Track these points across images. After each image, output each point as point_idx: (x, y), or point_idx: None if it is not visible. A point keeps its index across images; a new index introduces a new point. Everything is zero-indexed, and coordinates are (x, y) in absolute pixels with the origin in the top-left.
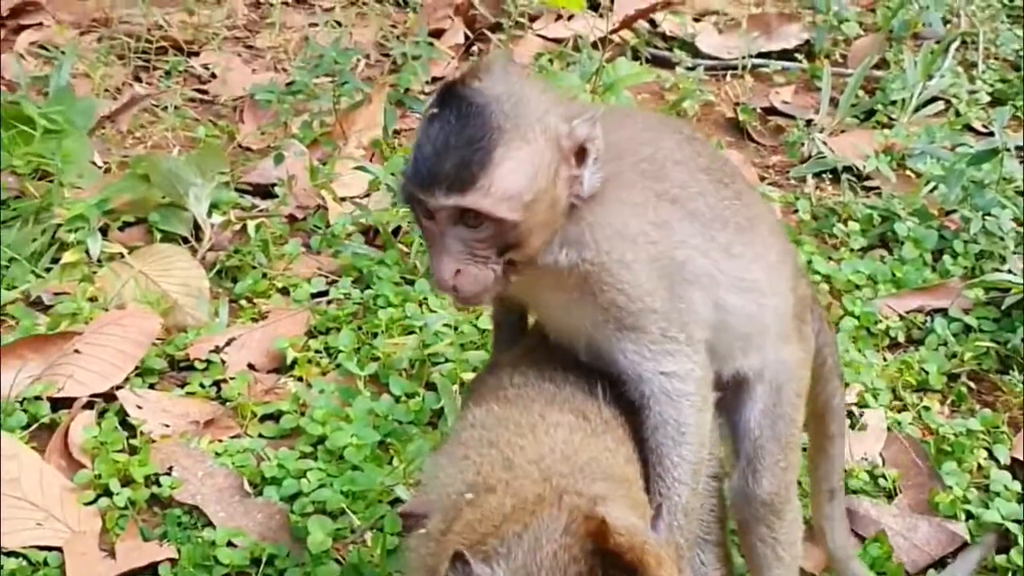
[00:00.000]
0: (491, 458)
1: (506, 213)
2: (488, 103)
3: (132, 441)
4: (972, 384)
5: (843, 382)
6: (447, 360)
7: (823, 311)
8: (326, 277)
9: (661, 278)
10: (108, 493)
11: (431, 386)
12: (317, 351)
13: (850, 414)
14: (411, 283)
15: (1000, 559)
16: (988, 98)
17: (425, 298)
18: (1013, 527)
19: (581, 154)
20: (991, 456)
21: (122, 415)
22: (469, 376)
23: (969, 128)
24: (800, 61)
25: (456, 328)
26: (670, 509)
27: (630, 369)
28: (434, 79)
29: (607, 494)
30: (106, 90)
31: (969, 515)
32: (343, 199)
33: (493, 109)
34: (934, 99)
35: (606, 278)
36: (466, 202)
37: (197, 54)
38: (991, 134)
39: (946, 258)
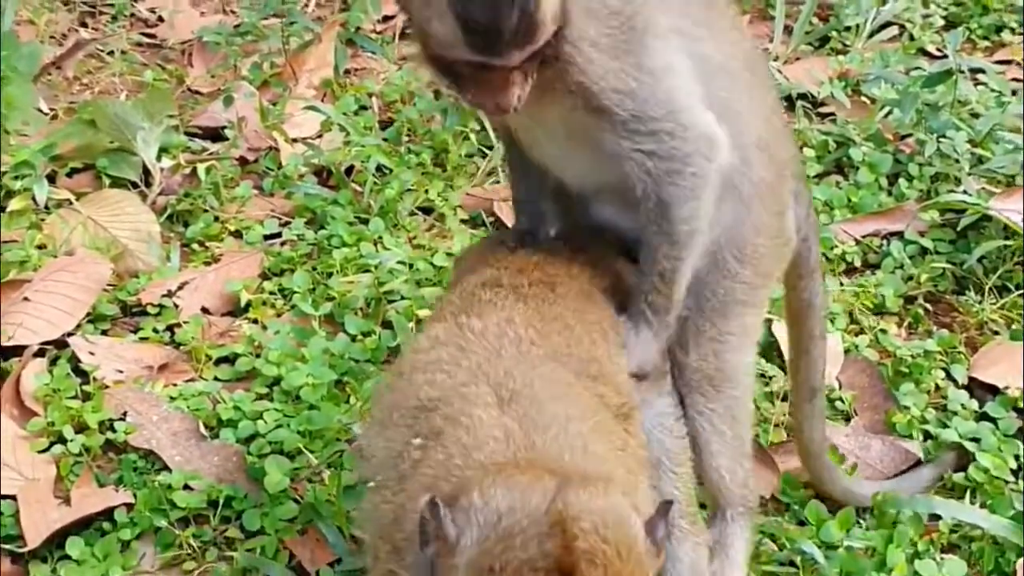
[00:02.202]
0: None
1: (553, 28)
2: None
3: (85, 388)
4: (929, 306)
5: (824, 279)
6: (403, 298)
7: (810, 197)
8: (279, 219)
9: (626, 53)
10: (62, 440)
11: (387, 324)
12: (271, 293)
13: None
14: (365, 222)
15: (958, 477)
16: (942, 22)
17: (379, 237)
18: (971, 445)
19: None
20: (948, 376)
21: (74, 362)
22: (425, 313)
23: (923, 52)
24: None
25: (411, 266)
26: (648, 306)
27: (615, 153)
28: (385, 17)
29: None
30: (51, 36)
31: (927, 435)
32: (295, 140)
33: None
34: (888, 24)
35: (577, 58)
36: (535, 46)
37: None
38: (945, 57)
39: (901, 182)
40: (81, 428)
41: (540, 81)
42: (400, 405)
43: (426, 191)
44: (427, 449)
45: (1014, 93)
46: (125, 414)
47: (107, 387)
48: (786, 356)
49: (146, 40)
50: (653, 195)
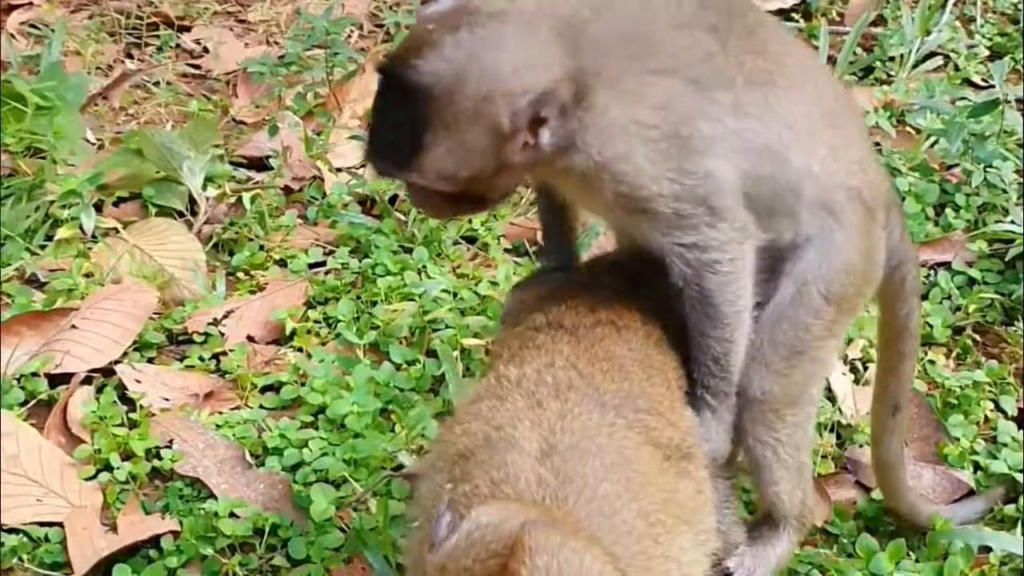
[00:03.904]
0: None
1: (445, 187)
2: (420, 85)
3: (131, 415)
4: (977, 336)
5: (920, 302)
6: (447, 326)
7: (904, 219)
8: (323, 247)
9: (666, 160)
10: (108, 468)
11: (431, 353)
12: (316, 321)
13: (854, 369)
14: (409, 251)
15: (1009, 509)
16: (987, 52)
17: (424, 265)
18: (1021, 477)
19: (538, 122)
20: (997, 408)
21: (121, 390)
22: (469, 342)
23: (968, 82)
24: (797, 21)
25: (455, 294)
26: (707, 392)
27: (654, 246)
28: None
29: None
30: (97, 67)
31: (977, 466)
32: (339, 169)
33: (426, 91)
34: (932, 54)
35: (604, 176)
36: (405, 179)
37: (189, 29)
38: (991, 87)
39: (948, 212)
40: (127, 456)
41: (579, 187)
42: (442, 454)
43: (469, 220)
44: (456, 489)
45: None
46: (171, 442)
47: (153, 415)
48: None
49: (191, 71)
50: (695, 285)
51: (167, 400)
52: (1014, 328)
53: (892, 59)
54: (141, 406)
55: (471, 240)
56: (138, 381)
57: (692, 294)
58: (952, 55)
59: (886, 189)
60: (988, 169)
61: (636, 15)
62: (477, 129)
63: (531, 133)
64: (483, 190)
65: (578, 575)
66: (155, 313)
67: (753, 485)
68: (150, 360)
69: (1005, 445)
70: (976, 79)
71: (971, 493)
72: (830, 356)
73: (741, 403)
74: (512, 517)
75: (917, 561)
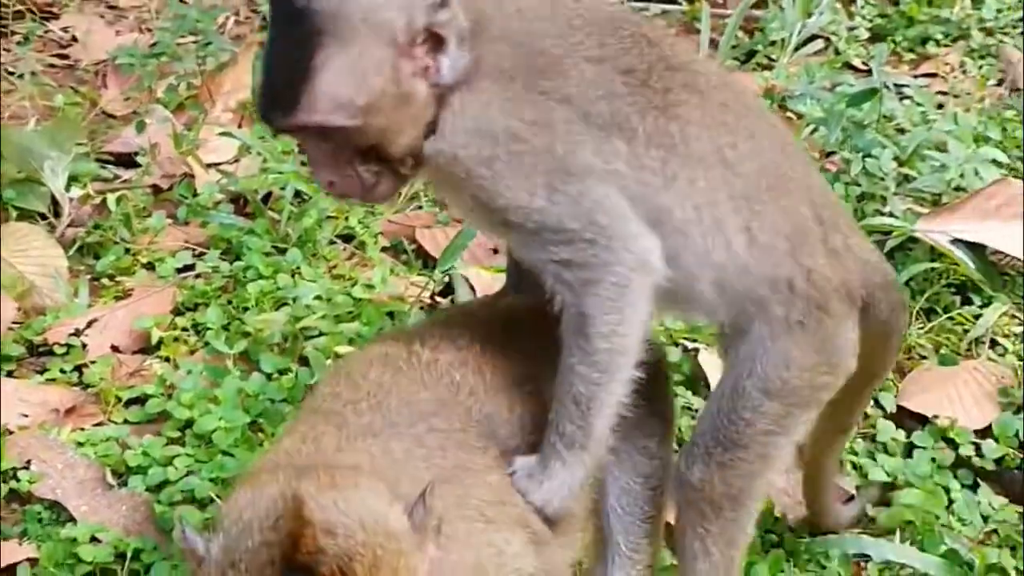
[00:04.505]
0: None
1: (343, 120)
2: (308, 7)
3: None
4: None
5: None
6: (321, 333)
7: (901, 298)
8: (193, 250)
9: (530, 175)
10: None
11: (304, 361)
12: (184, 329)
13: None
14: (283, 252)
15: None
16: (867, 34)
17: (297, 267)
18: (900, 479)
19: (436, 41)
20: (877, 404)
21: None
22: (343, 349)
23: (849, 66)
24: (679, 3)
25: (329, 300)
26: (559, 437)
27: (527, 261)
28: None
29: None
30: None
31: (854, 466)
32: (210, 166)
33: (313, 14)
34: (814, 37)
35: (460, 173)
36: (297, 121)
37: (56, 16)
38: (870, 72)
39: None
40: None
41: (448, 185)
42: None
43: (346, 218)
44: None
45: (939, 107)
46: (29, 462)
47: (11, 432)
48: None
49: (59, 62)
50: (572, 307)
51: (26, 416)
52: None
53: (774, 43)
54: None
55: (348, 239)
56: None
57: (568, 319)
58: (833, 38)
59: (859, 275)
60: (867, 158)
61: (551, 32)
62: (370, 38)
63: (431, 54)
64: (385, 137)
65: (357, 498)
66: (14, 323)
67: (678, 569)
68: (9, 373)
69: (884, 445)
70: (857, 62)
71: (851, 499)
72: (780, 453)
73: (678, 483)
74: (265, 487)
75: (796, 568)
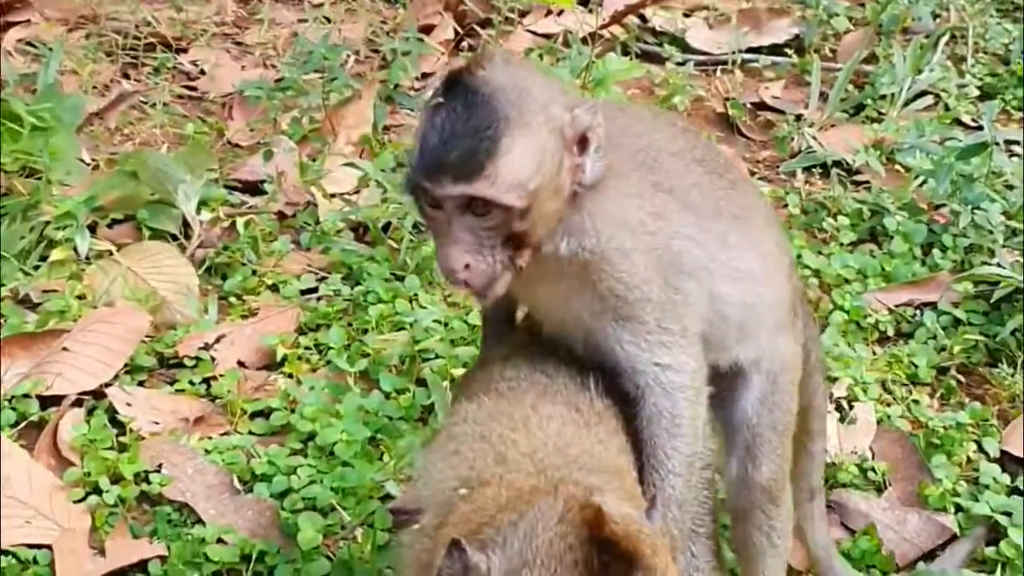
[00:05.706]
0: (484, 452)
1: (513, 200)
2: (493, 92)
3: (121, 439)
4: (961, 377)
5: (825, 379)
6: (437, 356)
7: (808, 306)
8: (316, 274)
9: (658, 268)
10: (97, 491)
11: (421, 382)
12: (307, 348)
13: (840, 407)
14: (401, 279)
15: (989, 551)
16: (977, 92)
17: (415, 294)
18: (1002, 519)
19: (583, 143)
20: (980, 449)
21: (111, 413)
22: (459, 372)
23: (958, 122)
24: (790, 56)
25: (446, 324)
26: (664, 500)
27: (625, 360)
28: (424, 75)
29: (601, 485)
30: (94, 87)
31: (959, 508)
32: (333, 195)
33: (498, 98)
34: (923, 93)
35: (605, 266)
36: (473, 190)
37: (185, 51)
38: (980, 128)
39: (935, 252)
40: (117, 479)
41: (572, 281)
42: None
43: None
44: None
45: None
46: (160, 466)
47: (143, 438)
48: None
49: (187, 93)
50: (664, 404)
51: (157, 424)
52: (998, 370)
53: (883, 97)
54: (131, 429)
55: None
56: (128, 404)
57: (654, 412)
58: (943, 94)
59: (800, 284)
60: (976, 211)
61: (642, 131)
62: (546, 130)
63: (579, 150)
64: (534, 225)
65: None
66: (147, 336)
67: (743, 571)
68: (141, 383)
69: (987, 487)
70: (966, 119)
71: (954, 538)
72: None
73: (741, 491)
74: (541, 504)
75: None
